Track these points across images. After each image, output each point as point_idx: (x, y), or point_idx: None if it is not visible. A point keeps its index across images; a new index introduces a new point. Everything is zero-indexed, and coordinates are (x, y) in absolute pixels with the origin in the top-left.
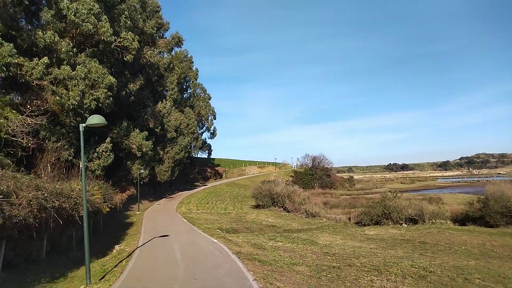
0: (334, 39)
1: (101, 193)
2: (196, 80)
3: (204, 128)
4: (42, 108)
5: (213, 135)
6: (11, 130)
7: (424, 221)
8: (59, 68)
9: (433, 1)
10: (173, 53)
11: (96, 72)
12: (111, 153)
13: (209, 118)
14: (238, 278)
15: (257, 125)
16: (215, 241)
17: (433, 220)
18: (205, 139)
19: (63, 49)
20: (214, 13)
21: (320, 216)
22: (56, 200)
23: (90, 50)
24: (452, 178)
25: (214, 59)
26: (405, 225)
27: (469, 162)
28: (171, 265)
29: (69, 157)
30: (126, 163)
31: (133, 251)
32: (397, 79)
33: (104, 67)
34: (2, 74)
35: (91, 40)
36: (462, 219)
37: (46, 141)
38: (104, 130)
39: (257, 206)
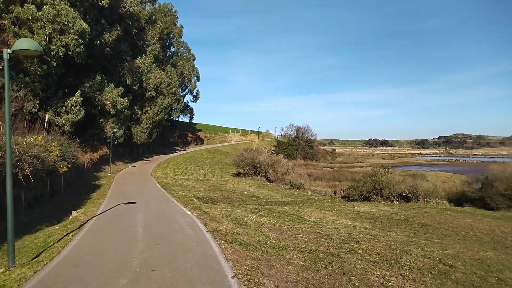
0: (326, 9)
1: (60, 150)
2: (181, 38)
3: (187, 90)
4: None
5: (195, 98)
6: None
7: (418, 199)
8: (22, 6)
9: None
10: (156, 6)
11: (66, 15)
12: (81, 108)
13: (192, 80)
14: (213, 272)
15: (241, 92)
16: (188, 213)
17: (428, 199)
18: (187, 102)
19: None
20: None
21: (304, 188)
22: None
23: None
24: (430, 156)
25: (200, 21)
26: (397, 202)
27: (447, 141)
28: (127, 245)
29: (33, 109)
30: (99, 121)
31: (87, 220)
32: (383, 55)
33: (76, 11)
34: None
35: None
36: (458, 199)
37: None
38: (75, 83)
39: (238, 174)
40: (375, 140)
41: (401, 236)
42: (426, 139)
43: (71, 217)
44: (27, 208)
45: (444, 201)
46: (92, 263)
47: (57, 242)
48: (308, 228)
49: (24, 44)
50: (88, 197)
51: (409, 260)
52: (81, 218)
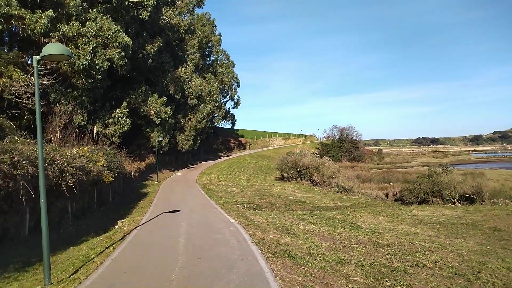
0: (359, 8)
1: (106, 159)
2: (219, 45)
3: (228, 97)
4: (50, 68)
5: (236, 104)
6: (14, 90)
7: (483, 201)
8: (67, 24)
9: None
10: (194, 16)
11: (109, 29)
12: (127, 119)
13: (233, 87)
14: None
15: (281, 96)
16: (233, 221)
17: (495, 200)
18: (229, 108)
19: (71, 3)
20: None
21: (353, 191)
22: (31, 166)
23: (103, 6)
24: (486, 153)
25: (237, 28)
26: (459, 204)
27: (503, 136)
28: (167, 260)
29: (82, 122)
30: (145, 131)
31: (131, 231)
32: (426, 50)
33: (117, 25)
34: (1, 27)
35: None
36: None
37: (56, 104)
38: (121, 95)
39: (282, 179)
40: (424, 138)
41: (472, 244)
42: (480, 135)
43: (116, 227)
44: (74, 219)
45: None
46: (128, 282)
47: (97, 255)
48: (364, 237)
49: (52, 49)
50: (134, 205)
51: (490, 274)
52: (125, 228)
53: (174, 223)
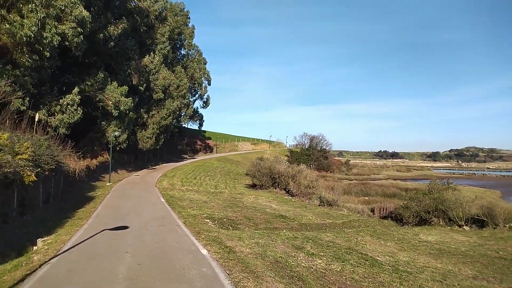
0: (337, 21)
1: (33, 152)
2: (192, 39)
3: (197, 95)
4: None
5: (206, 104)
6: None
7: (496, 224)
8: None
9: None
10: (167, 5)
11: None
12: (78, 108)
13: (203, 85)
14: None
15: (252, 102)
16: (204, 252)
17: (511, 224)
18: (197, 108)
19: None
20: None
21: (338, 205)
22: None
23: None
24: (444, 169)
25: (212, 29)
26: (467, 227)
27: (458, 154)
28: None
29: (22, 107)
30: (100, 124)
31: (40, 266)
32: (394, 67)
33: None
34: None
35: None
36: None
37: None
38: (75, 80)
39: (253, 186)
40: (385, 152)
41: None
42: (438, 152)
43: (35, 247)
44: None
45: None
46: None
47: None
48: (395, 281)
49: None
50: (71, 214)
51: None
52: (35, 258)
53: (114, 252)
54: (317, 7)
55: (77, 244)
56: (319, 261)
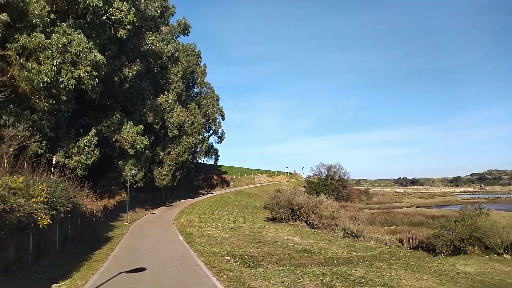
0: (344, 52)
1: (49, 193)
2: (204, 77)
3: (211, 131)
4: (6, 86)
5: (220, 139)
6: None
7: None
8: (29, 35)
9: (443, 16)
10: (179, 46)
11: (78, 44)
12: (95, 149)
13: (217, 120)
14: None
15: (266, 135)
16: None
17: None
18: (212, 143)
19: (35, 12)
20: (224, 22)
21: (363, 236)
22: None
23: (75, 21)
24: (467, 194)
25: (222, 69)
26: (507, 256)
27: (480, 178)
28: None
29: (40, 150)
30: (117, 163)
31: None
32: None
33: (90, 41)
34: None
35: (76, 9)
36: None
37: (9, 128)
38: (91, 122)
39: (272, 219)
40: (404, 179)
41: None
42: (459, 177)
43: None
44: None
45: None
46: None
47: None
48: None
49: None
50: (88, 257)
51: None
52: None
53: None
54: (323, 39)
55: None
56: None
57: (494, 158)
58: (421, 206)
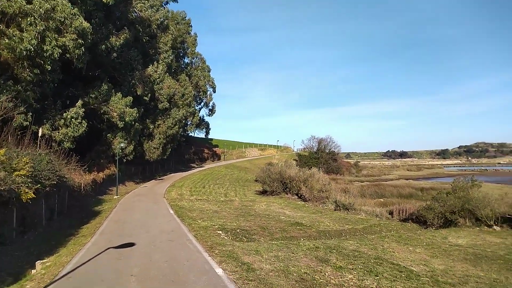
0: (336, 23)
1: (32, 167)
2: (195, 47)
3: (202, 103)
4: None
5: (211, 111)
6: None
7: None
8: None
9: None
10: (169, 14)
11: (63, 11)
12: (83, 121)
13: (208, 92)
14: None
15: (256, 108)
16: (219, 271)
17: None
18: (203, 116)
19: None
20: None
21: (354, 209)
22: None
23: None
24: (454, 166)
25: (212, 39)
26: (497, 227)
27: (468, 151)
28: None
29: (25, 122)
30: (106, 136)
31: None
32: (397, 66)
33: (75, 7)
34: None
35: None
36: None
37: None
38: (78, 93)
39: (263, 192)
40: (393, 151)
41: None
42: (447, 149)
43: (33, 271)
44: None
45: None
46: None
47: None
48: None
49: None
50: (75, 231)
51: None
52: (31, 284)
53: (117, 276)
54: (314, 9)
55: (77, 267)
56: (349, 276)
57: (482, 131)
58: (409, 179)
